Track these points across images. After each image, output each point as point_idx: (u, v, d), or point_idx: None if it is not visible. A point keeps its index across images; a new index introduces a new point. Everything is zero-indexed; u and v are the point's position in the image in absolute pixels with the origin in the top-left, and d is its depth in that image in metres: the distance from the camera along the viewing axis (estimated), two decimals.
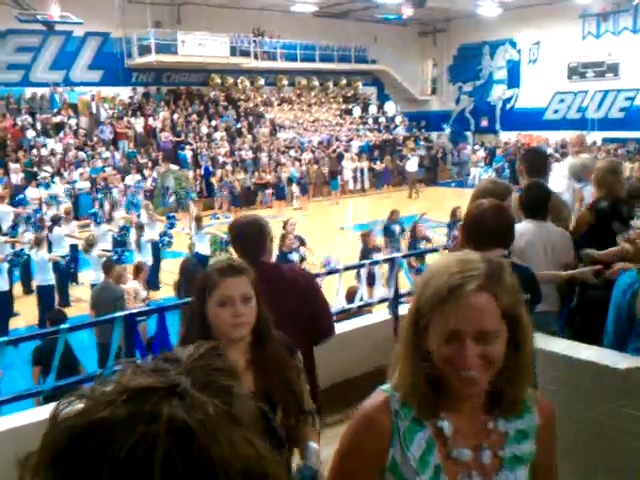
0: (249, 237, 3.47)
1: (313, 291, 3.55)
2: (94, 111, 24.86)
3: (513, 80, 33.56)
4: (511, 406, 1.52)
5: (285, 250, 10.56)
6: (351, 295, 7.24)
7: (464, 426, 1.50)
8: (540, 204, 4.05)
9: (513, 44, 33.18)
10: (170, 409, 0.68)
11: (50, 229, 12.77)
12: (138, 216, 14.71)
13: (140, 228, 12.68)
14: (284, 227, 11.26)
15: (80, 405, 0.72)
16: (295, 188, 23.94)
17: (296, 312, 3.25)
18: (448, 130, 34.33)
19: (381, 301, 6.59)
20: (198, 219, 13.20)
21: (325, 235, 15.08)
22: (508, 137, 31.84)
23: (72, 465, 0.67)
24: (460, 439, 1.49)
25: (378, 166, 28.27)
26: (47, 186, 18.69)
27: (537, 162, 4.96)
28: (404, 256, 7.71)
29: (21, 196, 16.33)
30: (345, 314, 6.44)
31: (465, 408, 1.51)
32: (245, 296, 2.31)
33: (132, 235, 12.93)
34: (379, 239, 12.42)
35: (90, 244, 11.11)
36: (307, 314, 3.38)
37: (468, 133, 34.34)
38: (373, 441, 1.52)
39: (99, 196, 19.47)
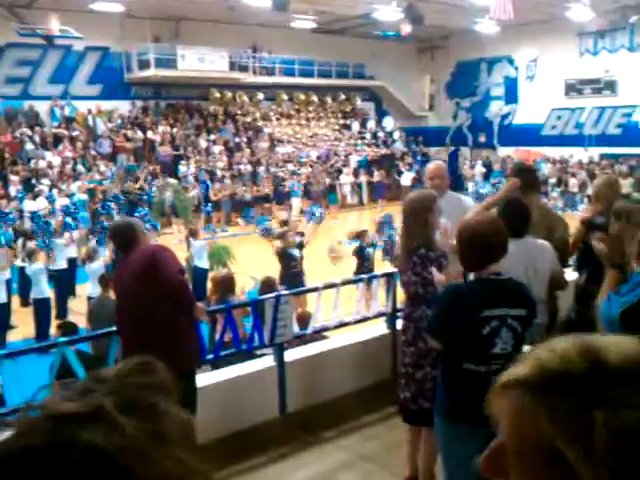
0: (119, 235, 4.39)
1: (157, 263, 4.21)
2: (91, 124, 24.93)
3: (511, 96, 33.72)
4: None
5: (288, 247, 10.54)
6: (304, 320, 6.84)
7: None
8: (518, 221, 4.03)
9: (511, 61, 33.36)
10: (89, 435, 0.64)
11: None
12: None
13: None
14: (283, 225, 11.19)
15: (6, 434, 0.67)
16: (294, 201, 23.94)
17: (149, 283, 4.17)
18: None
19: (377, 316, 6.58)
20: (193, 233, 13.19)
21: (324, 248, 15.07)
22: (506, 153, 31.96)
23: None
24: None
25: (373, 178, 28.31)
26: (51, 198, 18.53)
27: (529, 179, 4.99)
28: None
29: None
30: (298, 340, 6.08)
31: None
32: None
33: None
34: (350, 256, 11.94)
35: (89, 257, 11.10)
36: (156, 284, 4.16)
37: (465, 148, 34.50)
38: None
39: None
